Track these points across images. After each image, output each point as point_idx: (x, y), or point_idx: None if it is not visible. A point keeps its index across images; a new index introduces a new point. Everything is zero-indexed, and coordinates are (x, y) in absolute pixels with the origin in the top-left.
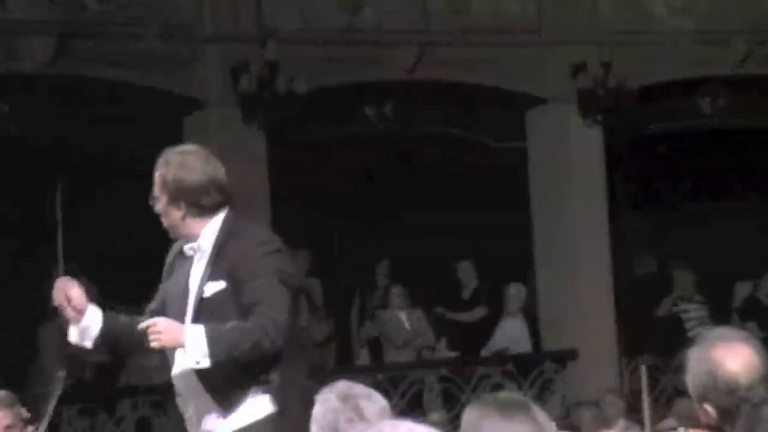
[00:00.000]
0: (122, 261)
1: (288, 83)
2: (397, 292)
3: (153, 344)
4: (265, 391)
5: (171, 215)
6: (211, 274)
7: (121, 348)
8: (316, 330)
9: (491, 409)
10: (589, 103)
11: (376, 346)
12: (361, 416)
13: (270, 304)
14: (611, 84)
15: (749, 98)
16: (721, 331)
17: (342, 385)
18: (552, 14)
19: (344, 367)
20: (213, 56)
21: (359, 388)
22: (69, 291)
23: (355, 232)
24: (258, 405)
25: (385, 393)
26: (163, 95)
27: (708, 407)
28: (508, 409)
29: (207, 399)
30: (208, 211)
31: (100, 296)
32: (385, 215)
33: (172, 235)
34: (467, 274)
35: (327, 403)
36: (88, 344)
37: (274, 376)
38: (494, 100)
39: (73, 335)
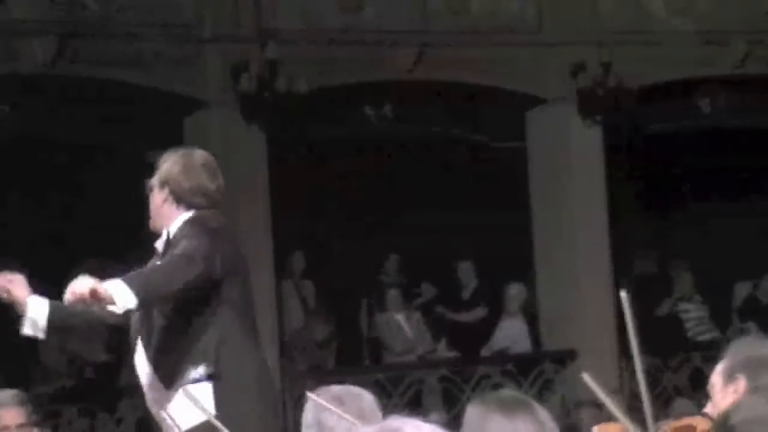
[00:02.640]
0: (122, 259)
1: (288, 83)
2: (394, 295)
3: (69, 296)
4: (210, 380)
5: (155, 199)
6: (160, 257)
7: (82, 332)
8: (316, 330)
9: (494, 408)
10: (589, 103)
11: (376, 346)
12: (347, 412)
13: (184, 249)
14: (611, 84)
15: (749, 98)
16: None
17: (333, 388)
18: (552, 14)
19: (344, 368)
20: (213, 56)
21: (346, 388)
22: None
23: (354, 232)
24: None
25: (385, 393)
26: (163, 95)
27: (741, 379)
28: (511, 408)
29: (164, 394)
30: (184, 207)
31: None
32: (385, 215)
33: (150, 223)
34: (467, 274)
35: (315, 403)
36: (41, 335)
37: (215, 359)
38: (494, 100)
39: (27, 328)
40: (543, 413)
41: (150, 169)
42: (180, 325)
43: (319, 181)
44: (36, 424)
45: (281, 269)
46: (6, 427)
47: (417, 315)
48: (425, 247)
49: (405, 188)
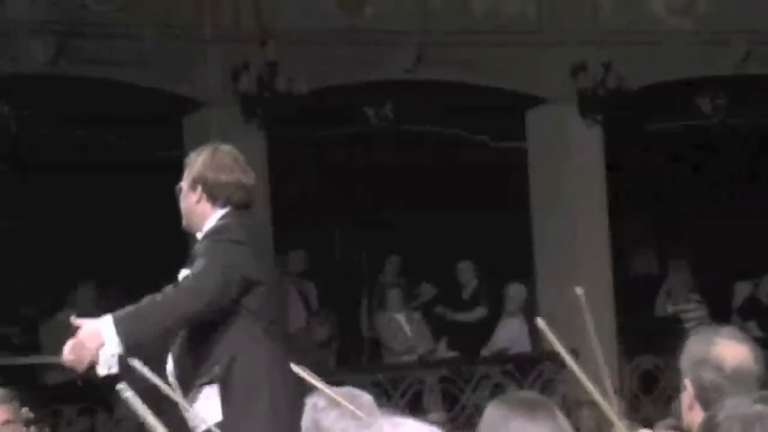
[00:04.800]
0: (121, 258)
1: (288, 83)
2: (395, 294)
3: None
4: (215, 384)
5: (188, 200)
6: (189, 264)
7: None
8: (316, 331)
9: (517, 409)
10: (589, 103)
11: (376, 346)
12: (344, 413)
13: (196, 275)
14: (611, 84)
15: (749, 98)
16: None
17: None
18: (552, 14)
19: (344, 367)
20: (213, 56)
21: (344, 389)
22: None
23: (355, 232)
24: (209, 407)
25: (385, 393)
26: (163, 95)
27: (687, 383)
28: (533, 409)
29: (180, 394)
30: (221, 203)
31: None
32: (385, 215)
33: (184, 223)
34: (467, 274)
35: (313, 406)
36: (114, 370)
37: (221, 367)
38: (494, 100)
39: (102, 369)
40: (561, 415)
41: (149, 169)
42: (197, 338)
43: (319, 181)
44: (29, 423)
45: (281, 269)
46: None
47: (417, 315)
48: (425, 247)
49: (405, 188)
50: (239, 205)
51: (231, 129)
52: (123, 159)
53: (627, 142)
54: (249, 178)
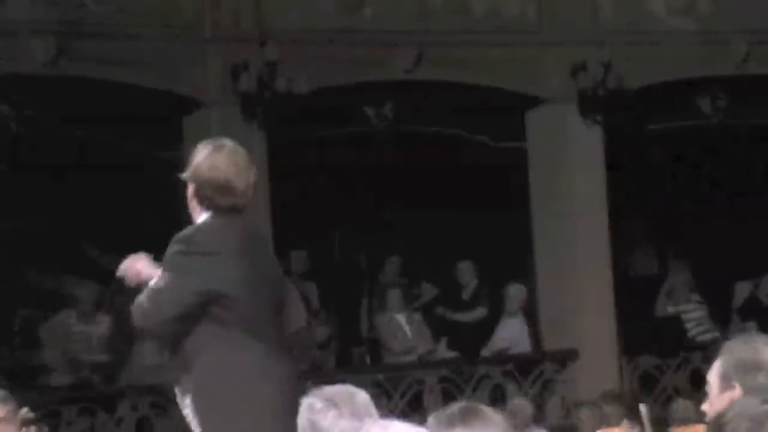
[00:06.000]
0: (121, 258)
1: (288, 83)
2: (395, 294)
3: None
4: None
5: (188, 192)
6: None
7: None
8: (316, 331)
9: (452, 423)
10: (589, 103)
11: (376, 346)
12: (341, 413)
13: (146, 292)
14: (611, 84)
15: (749, 98)
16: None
17: (326, 390)
18: (552, 14)
19: (344, 367)
20: (213, 56)
21: (338, 388)
22: (137, 264)
23: (355, 232)
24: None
25: (385, 393)
26: (163, 95)
27: (737, 386)
28: (466, 419)
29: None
30: (205, 205)
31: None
32: (385, 215)
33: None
34: (467, 274)
35: (310, 407)
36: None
37: (189, 378)
38: (494, 100)
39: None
40: (496, 416)
41: (150, 169)
42: (173, 343)
43: (319, 181)
44: (27, 423)
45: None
46: None
47: (417, 315)
48: (425, 247)
49: (405, 188)
50: (226, 208)
51: (231, 129)
52: (123, 159)
53: (627, 142)
54: (241, 180)
